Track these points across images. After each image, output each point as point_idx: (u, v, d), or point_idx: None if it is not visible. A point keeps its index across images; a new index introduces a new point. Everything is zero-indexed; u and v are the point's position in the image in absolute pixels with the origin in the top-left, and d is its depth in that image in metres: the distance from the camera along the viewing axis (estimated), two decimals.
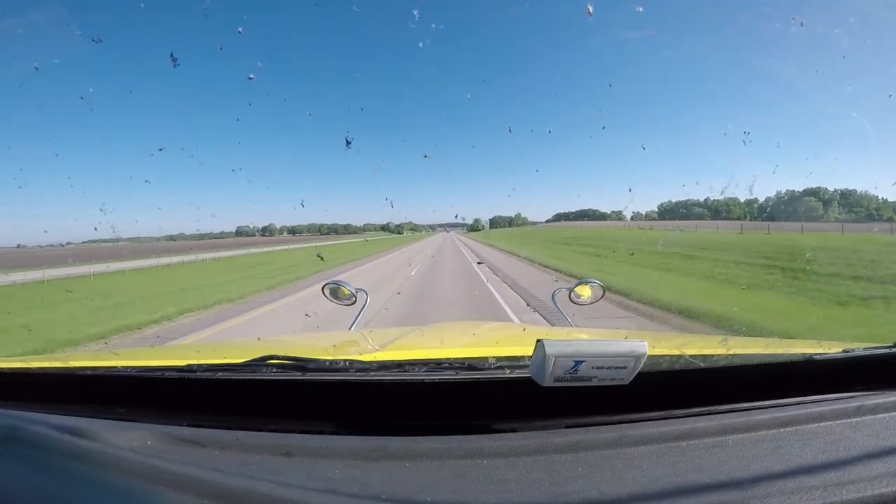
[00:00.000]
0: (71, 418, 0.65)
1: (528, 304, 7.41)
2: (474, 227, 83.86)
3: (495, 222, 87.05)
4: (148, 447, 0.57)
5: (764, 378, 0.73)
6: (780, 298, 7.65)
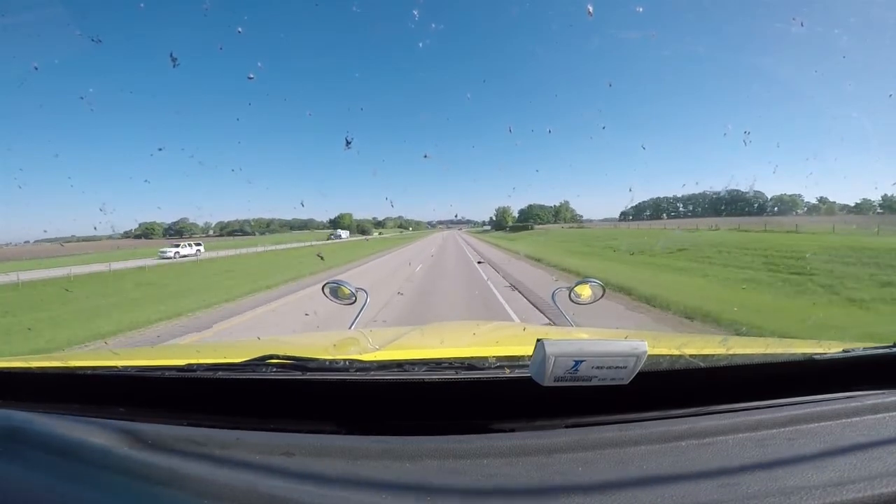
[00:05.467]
0: (71, 418, 0.65)
1: None
2: (500, 224, 56.52)
3: (528, 214, 60.98)
4: (148, 447, 0.57)
5: (764, 378, 0.73)
6: None
